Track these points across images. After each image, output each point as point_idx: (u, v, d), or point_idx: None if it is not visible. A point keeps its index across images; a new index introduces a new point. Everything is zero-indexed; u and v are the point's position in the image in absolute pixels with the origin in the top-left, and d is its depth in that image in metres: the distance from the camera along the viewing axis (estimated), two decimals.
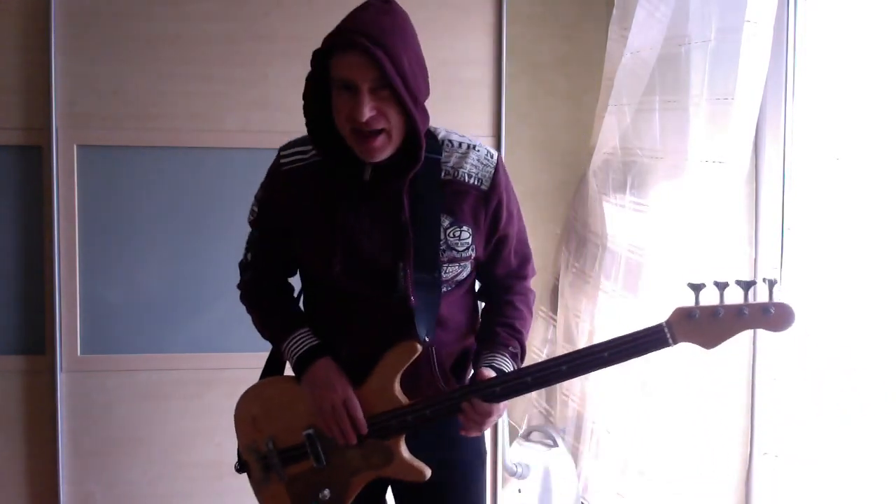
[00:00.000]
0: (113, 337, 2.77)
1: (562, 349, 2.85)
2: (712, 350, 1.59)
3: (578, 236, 2.86)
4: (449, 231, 1.69)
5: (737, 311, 1.55)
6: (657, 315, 2.23)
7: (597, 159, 2.71)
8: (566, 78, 2.94)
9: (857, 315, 2.03)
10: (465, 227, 1.70)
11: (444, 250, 1.69)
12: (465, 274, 1.76)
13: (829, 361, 2.11)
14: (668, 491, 2.36)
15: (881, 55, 1.97)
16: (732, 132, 2.06)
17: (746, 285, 1.54)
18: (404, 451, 1.74)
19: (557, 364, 1.64)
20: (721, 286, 1.55)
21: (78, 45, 2.69)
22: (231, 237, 2.79)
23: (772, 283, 1.53)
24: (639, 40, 2.38)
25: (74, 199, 2.71)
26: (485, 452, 1.92)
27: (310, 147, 1.72)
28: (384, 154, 1.61)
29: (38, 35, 2.67)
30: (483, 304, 1.89)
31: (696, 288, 1.57)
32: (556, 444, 2.77)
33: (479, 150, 1.72)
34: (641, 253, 2.45)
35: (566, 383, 2.79)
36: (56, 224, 2.70)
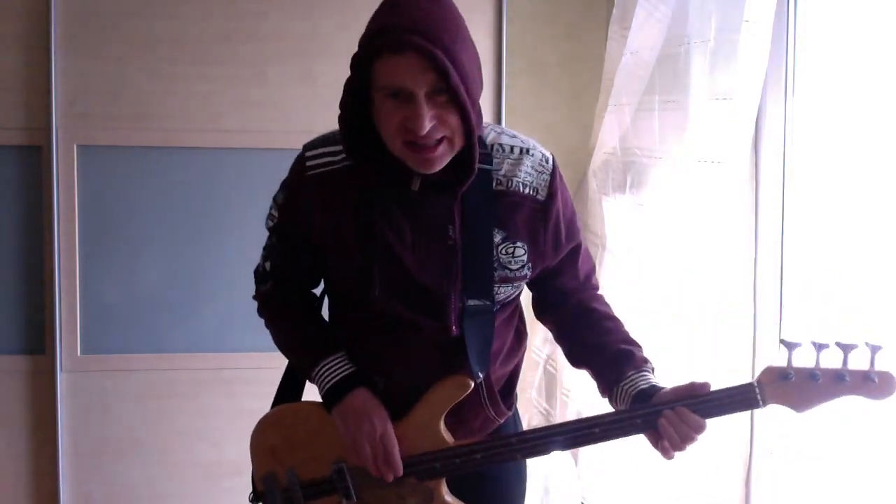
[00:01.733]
0: (113, 337, 2.78)
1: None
2: (802, 413, 1.47)
3: None
4: (502, 248, 1.49)
5: (836, 375, 1.43)
6: (657, 315, 2.23)
7: (597, 159, 2.71)
8: (566, 78, 2.94)
9: (858, 315, 2.03)
10: (519, 244, 1.51)
11: (496, 269, 1.50)
12: (515, 294, 1.57)
13: (829, 361, 2.11)
14: (668, 491, 2.36)
15: (881, 54, 1.96)
16: (732, 132, 2.05)
17: (847, 348, 1.42)
18: (446, 494, 1.56)
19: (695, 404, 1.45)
20: (819, 347, 1.43)
21: (78, 45, 2.69)
22: (231, 237, 2.80)
23: (875, 349, 1.42)
24: (639, 40, 2.38)
25: (74, 199, 2.71)
26: (525, 475, 1.74)
27: (340, 148, 1.48)
28: (443, 163, 1.39)
29: (38, 35, 2.67)
30: (555, 329, 1.69)
31: (791, 346, 1.44)
32: None
33: (533, 155, 1.52)
34: (641, 253, 2.45)
35: (565, 382, 2.79)
36: (56, 224, 2.70)
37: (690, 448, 1.47)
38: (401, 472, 1.52)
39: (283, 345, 1.68)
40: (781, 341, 1.46)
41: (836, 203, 2.11)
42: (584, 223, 2.82)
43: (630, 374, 1.53)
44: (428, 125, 1.33)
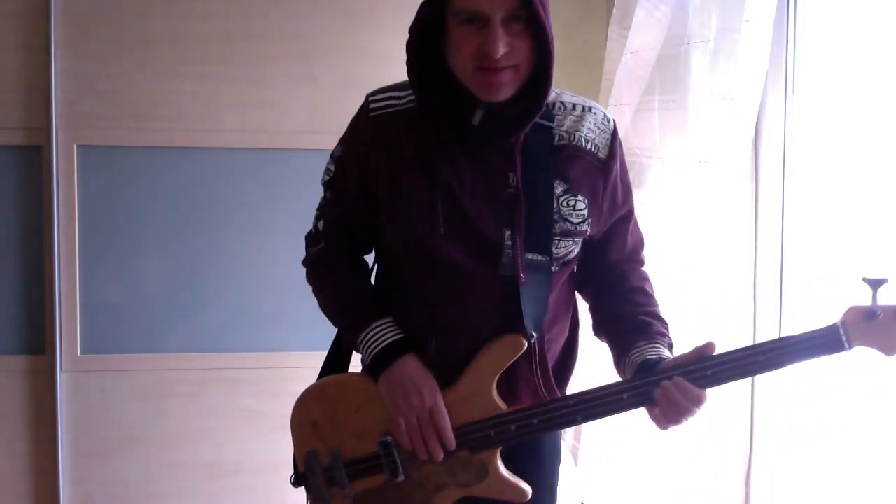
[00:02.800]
0: (112, 337, 2.78)
1: None
2: (893, 357, 1.37)
3: None
4: (563, 200, 1.46)
5: None
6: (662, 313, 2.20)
7: None
8: (566, 78, 2.93)
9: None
10: (580, 197, 1.47)
11: (556, 221, 1.46)
12: (574, 252, 1.51)
13: (829, 360, 2.11)
14: (668, 491, 2.36)
15: (881, 54, 1.96)
16: (732, 132, 2.05)
17: None
18: (501, 467, 1.48)
19: (746, 356, 1.39)
20: None
21: (78, 45, 2.69)
22: (231, 237, 2.80)
23: None
24: (639, 40, 2.38)
25: (74, 199, 2.71)
26: (556, 496, 1.69)
27: (405, 93, 1.47)
28: (510, 91, 1.38)
29: (38, 35, 2.67)
30: (591, 301, 1.64)
31: (876, 284, 1.35)
32: None
33: (595, 113, 1.51)
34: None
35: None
36: (56, 224, 2.70)
37: (689, 421, 1.40)
38: (453, 446, 1.45)
39: (328, 309, 1.61)
40: (864, 279, 1.36)
41: (835, 202, 2.11)
42: None
43: (640, 344, 1.48)
44: (503, 49, 1.32)
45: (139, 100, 2.72)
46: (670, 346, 1.50)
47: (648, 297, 1.58)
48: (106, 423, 2.79)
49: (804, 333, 1.39)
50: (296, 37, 2.74)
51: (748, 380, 2.26)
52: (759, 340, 2.26)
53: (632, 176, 2.52)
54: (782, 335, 1.46)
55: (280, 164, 2.77)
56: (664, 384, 1.38)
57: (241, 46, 2.74)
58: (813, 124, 2.17)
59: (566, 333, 1.60)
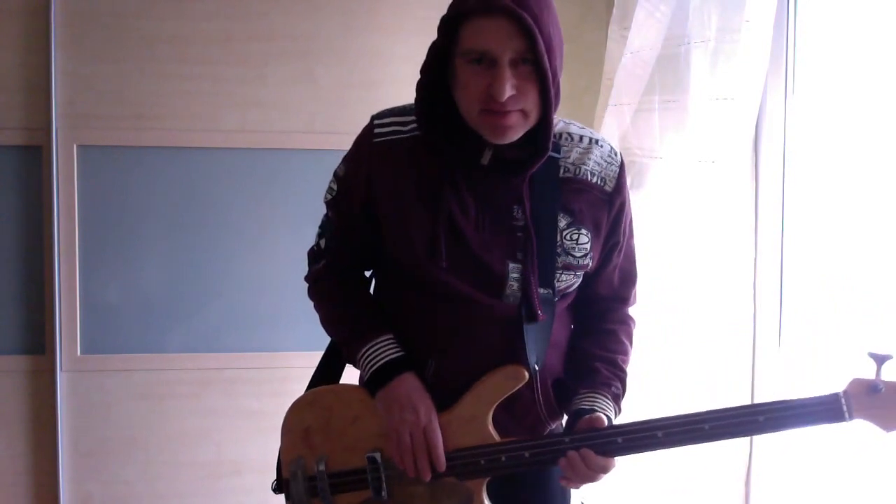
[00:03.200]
0: (112, 337, 2.78)
1: None
2: (890, 433, 1.37)
3: None
4: (566, 234, 1.45)
5: None
6: (657, 314, 2.22)
7: None
8: (566, 78, 2.92)
9: (858, 315, 2.03)
10: (584, 231, 1.46)
11: (559, 255, 1.45)
12: (575, 285, 1.52)
13: (829, 361, 2.11)
14: (668, 491, 2.36)
15: (881, 54, 1.96)
16: (732, 132, 2.05)
17: None
18: (486, 499, 1.46)
19: (698, 422, 1.37)
20: None
21: (78, 45, 2.69)
22: (231, 237, 2.80)
23: None
24: (639, 40, 2.38)
25: (74, 199, 2.71)
26: (569, 498, 1.66)
27: (409, 118, 1.46)
28: (516, 135, 1.37)
29: (38, 35, 2.67)
30: (573, 326, 1.63)
31: (881, 359, 1.34)
32: None
33: (602, 147, 1.50)
34: (640, 252, 2.44)
35: None
36: (56, 224, 2.70)
37: (590, 486, 1.42)
38: (443, 467, 1.44)
39: (329, 325, 1.61)
40: (869, 354, 1.36)
41: (835, 203, 2.11)
42: None
43: (582, 391, 1.49)
44: (509, 92, 1.31)
45: (139, 100, 2.72)
46: (615, 398, 1.51)
47: (616, 343, 1.57)
48: (106, 423, 2.79)
49: (799, 400, 1.38)
50: (296, 37, 2.74)
51: (748, 380, 2.26)
52: (758, 341, 2.26)
53: (632, 176, 2.54)
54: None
55: (280, 164, 2.77)
56: (568, 454, 1.40)
57: (241, 46, 2.73)
58: (813, 124, 2.17)
59: (564, 353, 1.60)
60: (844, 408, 1.35)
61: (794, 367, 2.19)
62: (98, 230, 2.74)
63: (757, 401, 2.25)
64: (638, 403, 2.46)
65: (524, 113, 1.35)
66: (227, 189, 2.77)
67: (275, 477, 1.62)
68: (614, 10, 2.56)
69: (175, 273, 2.79)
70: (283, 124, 2.74)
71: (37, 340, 2.76)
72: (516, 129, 1.36)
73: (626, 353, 1.57)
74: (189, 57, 2.72)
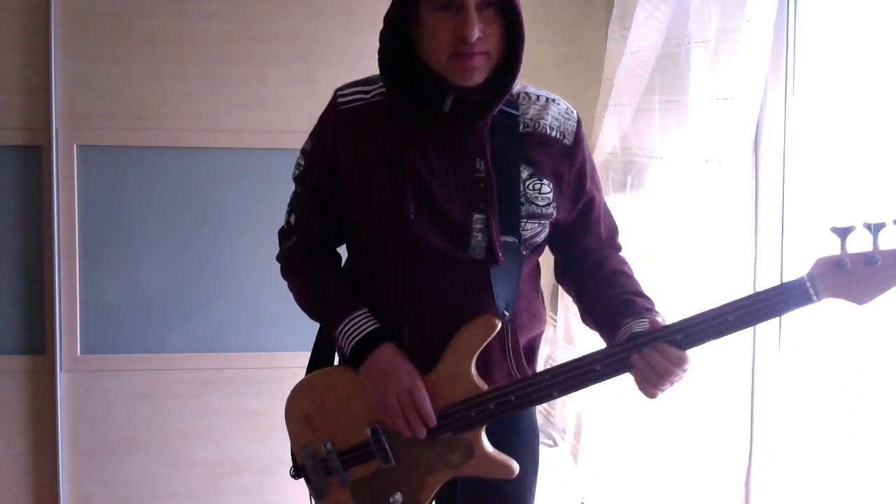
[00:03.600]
0: (112, 337, 2.78)
1: (562, 349, 2.84)
2: (864, 306, 1.32)
3: None
4: (528, 183, 1.51)
5: None
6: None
7: (597, 159, 2.71)
8: (566, 78, 2.94)
9: (858, 315, 2.03)
10: (545, 181, 1.52)
11: (523, 204, 1.51)
12: (542, 236, 1.56)
13: (829, 361, 2.11)
14: (668, 491, 2.36)
15: (881, 54, 1.96)
16: (732, 132, 2.05)
17: None
18: (487, 445, 1.52)
19: (723, 314, 1.36)
20: (875, 228, 1.29)
21: (78, 45, 2.69)
22: (231, 237, 2.80)
23: None
24: (639, 40, 2.38)
25: (74, 199, 2.71)
26: (538, 465, 1.71)
27: (372, 87, 1.53)
28: (482, 76, 1.43)
29: (38, 35, 2.67)
30: (573, 289, 1.66)
31: (843, 232, 1.30)
32: (556, 444, 2.77)
33: (559, 104, 1.57)
34: (641, 252, 2.45)
35: None
36: (56, 224, 2.71)
37: (675, 385, 1.41)
38: (434, 422, 1.49)
39: (304, 303, 1.65)
40: (832, 228, 1.32)
41: (835, 202, 2.11)
42: None
43: (627, 321, 1.49)
44: (476, 34, 1.37)
45: (139, 100, 2.72)
46: (659, 314, 1.51)
47: (629, 279, 1.60)
48: (106, 423, 2.79)
49: (772, 288, 1.37)
50: (296, 37, 2.74)
51: (748, 380, 2.26)
52: (758, 339, 2.26)
53: (632, 176, 2.54)
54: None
55: (280, 164, 2.76)
56: (642, 349, 1.39)
57: (241, 46, 2.73)
58: (813, 124, 2.17)
59: (536, 326, 1.64)
60: (811, 290, 1.32)
61: (794, 367, 2.20)
62: (98, 230, 2.74)
63: (757, 401, 2.26)
64: (638, 403, 2.46)
65: (488, 54, 1.41)
66: (227, 189, 2.77)
67: (285, 473, 1.68)
68: (614, 10, 2.56)
69: (175, 273, 2.79)
70: (283, 124, 2.74)
71: (37, 340, 2.76)
72: (482, 71, 1.42)
73: (640, 285, 1.60)
74: (189, 57, 2.72)
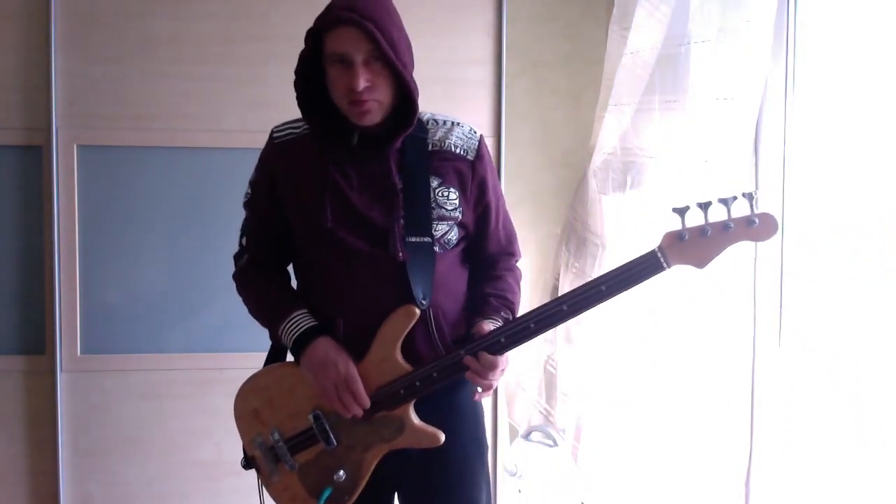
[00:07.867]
0: (112, 337, 2.78)
1: (562, 349, 2.85)
2: (705, 269, 1.65)
3: (578, 236, 2.86)
4: (438, 191, 1.78)
5: (723, 226, 1.61)
6: (658, 314, 2.23)
7: (597, 159, 2.71)
8: (566, 78, 2.94)
9: (858, 315, 2.03)
10: (452, 189, 1.79)
11: (433, 208, 1.77)
12: (453, 235, 1.81)
13: (829, 361, 2.11)
14: (668, 491, 2.36)
15: (881, 54, 1.96)
16: (732, 132, 2.05)
17: (727, 201, 1.61)
18: (415, 418, 1.75)
19: (558, 304, 1.68)
20: (704, 206, 1.61)
21: (78, 45, 2.69)
22: (230, 237, 2.80)
23: (751, 197, 1.60)
24: (639, 40, 2.38)
25: (74, 199, 2.71)
26: (486, 447, 1.93)
27: (301, 123, 1.82)
28: (375, 118, 1.71)
29: (38, 35, 2.67)
30: (469, 286, 1.92)
31: (682, 211, 1.62)
32: (556, 444, 2.77)
33: (462, 126, 1.84)
34: (640, 252, 2.45)
35: (567, 383, 2.79)
36: (56, 224, 2.71)
37: (495, 380, 1.71)
38: (367, 403, 1.73)
39: (254, 311, 1.89)
40: (672, 209, 1.63)
41: (835, 202, 2.11)
42: (584, 223, 2.82)
43: (475, 319, 1.79)
44: (363, 84, 1.64)
45: (139, 100, 2.72)
46: (504, 320, 1.80)
47: (504, 283, 1.89)
48: (106, 423, 2.79)
49: (626, 263, 1.66)
50: (296, 37, 2.72)
51: (748, 381, 2.27)
52: (758, 340, 2.26)
53: (631, 176, 2.54)
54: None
55: None
56: (465, 360, 1.70)
57: (241, 46, 2.74)
58: (813, 124, 2.17)
59: (460, 306, 1.86)
60: (662, 259, 1.65)
61: (794, 367, 2.20)
62: (98, 230, 2.75)
63: (757, 401, 2.26)
64: (637, 403, 2.46)
65: (379, 102, 1.69)
66: (227, 189, 2.77)
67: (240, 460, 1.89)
68: (614, 10, 2.56)
69: (175, 273, 2.79)
70: None
71: (37, 340, 2.76)
72: (374, 114, 1.70)
73: (513, 291, 1.89)
74: (189, 57, 2.72)
